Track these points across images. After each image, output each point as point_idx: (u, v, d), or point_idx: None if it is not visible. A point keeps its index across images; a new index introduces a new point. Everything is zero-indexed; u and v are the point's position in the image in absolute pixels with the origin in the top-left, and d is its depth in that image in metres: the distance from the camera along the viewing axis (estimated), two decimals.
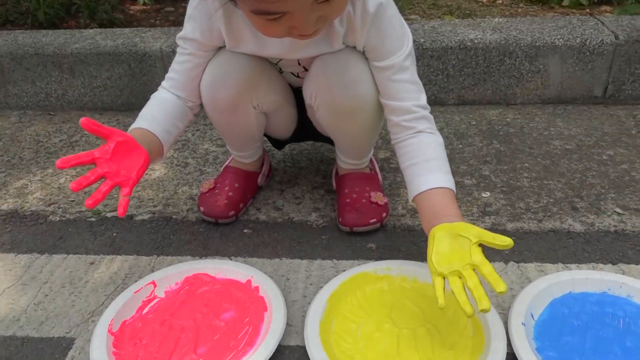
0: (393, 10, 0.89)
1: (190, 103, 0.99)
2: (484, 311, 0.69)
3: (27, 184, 1.28)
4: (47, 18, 1.95)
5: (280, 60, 0.98)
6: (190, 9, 0.92)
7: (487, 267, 0.72)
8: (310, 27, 0.75)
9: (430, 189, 0.85)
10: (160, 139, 0.92)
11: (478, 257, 0.73)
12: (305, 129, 1.13)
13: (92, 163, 0.78)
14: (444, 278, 0.74)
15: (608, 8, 2.07)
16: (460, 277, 0.73)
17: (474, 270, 0.73)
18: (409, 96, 0.91)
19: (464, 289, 0.72)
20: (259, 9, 0.71)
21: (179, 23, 2.03)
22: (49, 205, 1.19)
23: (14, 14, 2.02)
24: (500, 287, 0.69)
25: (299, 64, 0.99)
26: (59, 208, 1.18)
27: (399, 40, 0.89)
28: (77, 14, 2.06)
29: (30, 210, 1.17)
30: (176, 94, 0.98)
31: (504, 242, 0.73)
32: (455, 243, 0.76)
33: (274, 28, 0.75)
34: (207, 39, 0.92)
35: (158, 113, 0.94)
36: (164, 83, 0.99)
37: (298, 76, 1.03)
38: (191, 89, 0.98)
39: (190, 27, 0.93)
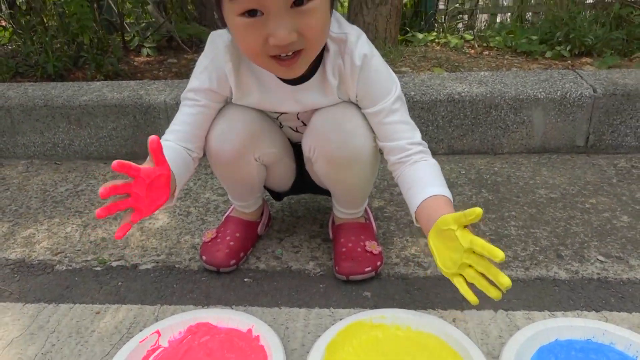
0: (378, 60, 0.97)
1: (195, 154, 1.03)
2: (507, 287, 0.71)
3: (34, 233, 1.33)
4: (55, 70, 2.04)
5: (281, 114, 1.05)
6: (205, 61, 0.98)
7: (478, 244, 0.74)
8: (286, 35, 0.78)
9: (424, 200, 0.89)
10: (176, 183, 0.93)
11: (466, 239, 0.76)
12: (303, 182, 1.19)
13: (126, 193, 0.77)
14: (461, 275, 0.78)
15: (589, 60, 2.18)
16: (469, 266, 0.77)
17: (473, 253, 0.76)
18: (401, 135, 0.98)
19: (479, 274, 0.76)
20: None
21: (181, 74, 2.13)
22: (56, 254, 1.23)
23: (23, 66, 2.11)
24: (498, 255, 0.70)
25: (298, 118, 1.06)
26: (65, 257, 1.22)
27: (386, 86, 0.97)
28: (84, 66, 2.15)
29: (38, 260, 1.22)
30: (182, 145, 1.01)
31: (474, 213, 0.75)
32: (446, 240, 0.80)
33: (251, 34, 0.80)
34: (220, 88, 0.99)
35: (171, 159, 0.98)
36: (167, 136, 1.02)
37: (297, 131, 1.10)
38: (198, 140, 1.02)
39: (205, 77, 0.98)
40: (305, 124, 1.07)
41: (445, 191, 0.91)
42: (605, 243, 1.18)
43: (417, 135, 0.99)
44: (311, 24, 0.80)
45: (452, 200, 0.90)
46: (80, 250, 1.25)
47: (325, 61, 0.95)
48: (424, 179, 0.94)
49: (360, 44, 0.94)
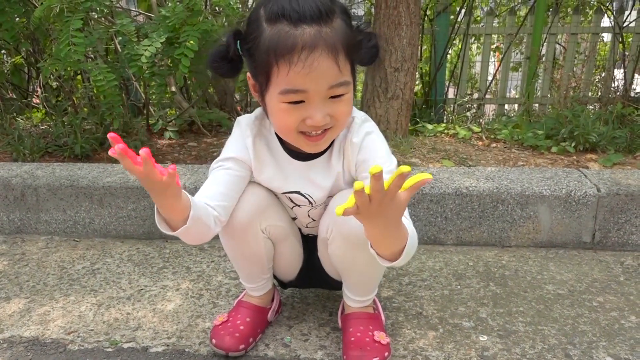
0: (378, 137, 1.07)
1: (217, 212, 1.01)
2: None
3: (50, 311, 1.35)
4: (82, 151, 2.15)
5: (294, 207, 1.13)
6: (232, 138, 1.11)
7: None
8: (321, 118, 0.92)
9: None
10: (192, 204, 0.93)
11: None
12: (310, 274, 1.24)
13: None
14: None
15: (593, 156, 2.26)
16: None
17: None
18: None
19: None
20: (286, 89, 0.90)
21: (200, 158, 2.23)
22: (69, 333, 1.26)
23: (52, 146, 2.23)
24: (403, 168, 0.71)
25: (308, 216, 1.15)
26: (78, 337, 1.24)
27: (381, 160, 1.04)
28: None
29: (51, 338, 1.24)
30: (204, 202, 1.02)
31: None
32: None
33: (291, 115, 0.93)
34: (244, 157, 1.08)
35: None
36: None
37: (307, 227, 1.19)
38: (222, 197, 1.03)
39: (231, 149, 1.09)
40: (314, 220, 1.16)
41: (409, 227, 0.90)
42: (614, 344, 1.18)
43: (406, 212, 0.98)
44: (341, 109, 0.95)
45: (408, 232, 0.89)
46: (93, 330, 1.27)
47: (334, 141, 1.06)
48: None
49: (364, 126, 1.06)
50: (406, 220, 0.94)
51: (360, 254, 1.07)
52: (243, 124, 1.10)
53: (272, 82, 0.92)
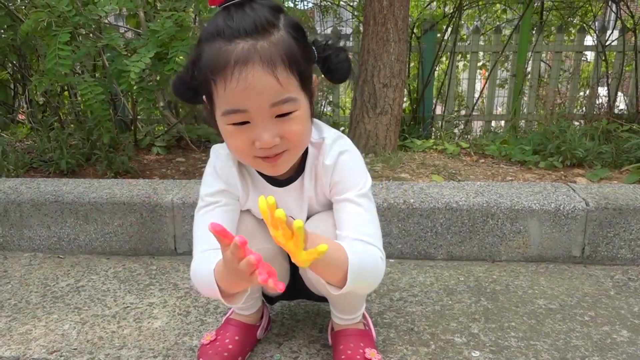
0: (352, 156, 1.03)
1: None
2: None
3: (32, 330, 1.31)
4: (68, 166, 2.12)
5: None
6: (212, 170, 1.06)
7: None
8: (270, 139, 0.87)
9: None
10: None
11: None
12: (296, 287, 1.22)
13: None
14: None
15: (580, 171, 2.28)
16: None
17: None
18: (353, 227, 0.99)
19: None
20: (226, 109, 0.86)
21: (188, 173, 2.21)
22: (52, 352, 1.22)
23: (37, 161, 2.19)
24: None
25: None
26: (61, 356, 1.20)
27: (354, 180, 1.02)
28: (96, 162, 2.23)
29: (33, 358, 1.20)
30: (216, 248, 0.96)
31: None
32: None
33: (239, 138, 0.89)
34: (231, 187, 1.05)
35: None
36: (196, 254, 1.00)
37: None
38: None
39: (215, 182, 1.05)
40: None
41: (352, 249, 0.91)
42: (607, 359, 1.17)
43: (376, 235, 0.99)
44: (293, 129, 0.89)
45: (347, 256, 0.89)
46: (76, 349, 1.23)
47: (306, 165, 1.04)
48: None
49: (336, 145, 1.02)
50: (359, 244, 0.95)
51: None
52: (223, 154, 1.05)
53: (215, 103, 0.89)
